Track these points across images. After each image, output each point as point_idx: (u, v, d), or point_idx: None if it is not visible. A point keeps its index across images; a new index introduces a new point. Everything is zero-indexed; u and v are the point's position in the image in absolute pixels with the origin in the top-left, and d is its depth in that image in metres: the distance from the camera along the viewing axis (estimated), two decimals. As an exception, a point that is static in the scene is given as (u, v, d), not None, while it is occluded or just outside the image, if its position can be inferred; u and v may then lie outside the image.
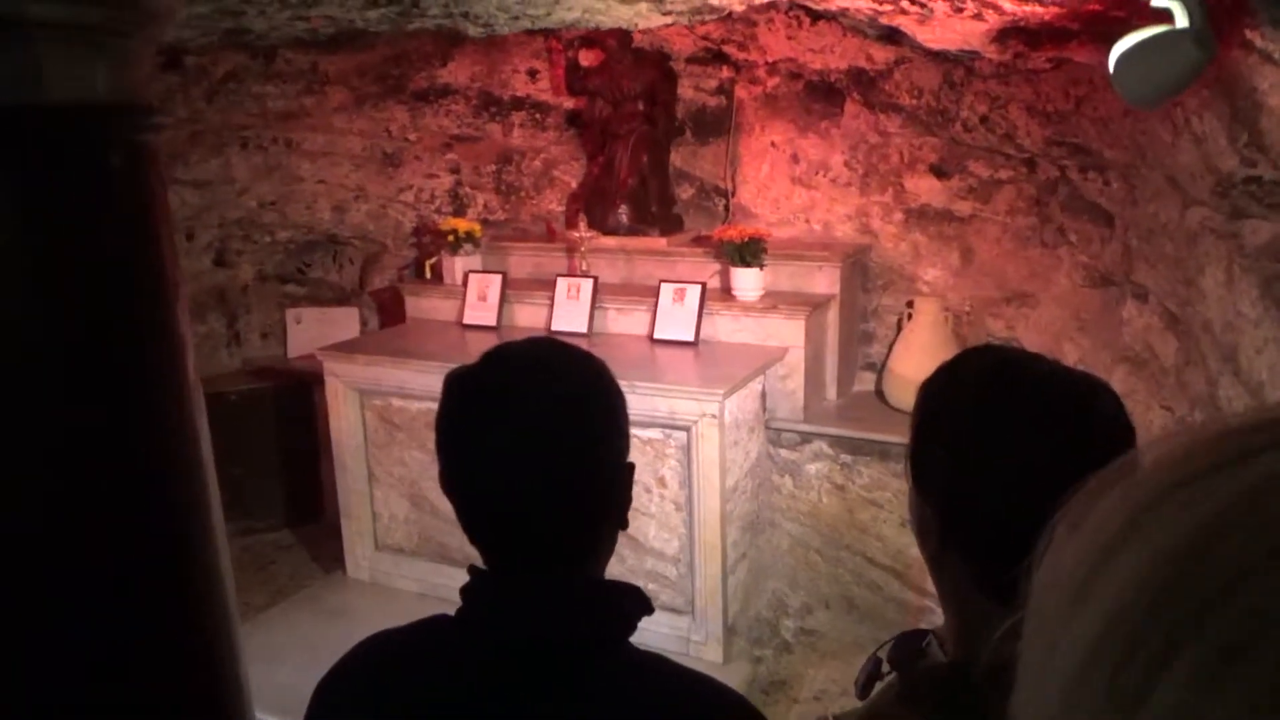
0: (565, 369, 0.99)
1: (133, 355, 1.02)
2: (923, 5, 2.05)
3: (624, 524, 1.00)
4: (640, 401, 3.22)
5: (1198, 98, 2.00)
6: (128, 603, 1.04)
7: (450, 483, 0.97)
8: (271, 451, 4.52)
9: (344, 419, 3.79)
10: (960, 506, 0.88)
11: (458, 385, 0.98)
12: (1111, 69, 1.55)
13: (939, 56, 3.29)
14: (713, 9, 2.33)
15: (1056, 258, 3.49)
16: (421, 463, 3.73)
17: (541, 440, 0.92)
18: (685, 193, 4.36)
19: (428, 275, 4.31)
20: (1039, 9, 1.87)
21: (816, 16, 3.70)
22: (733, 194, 4.24)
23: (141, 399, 1.05)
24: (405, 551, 3.86)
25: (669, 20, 2.52)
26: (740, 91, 4.14)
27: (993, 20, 2.05)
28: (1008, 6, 1.89)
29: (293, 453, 4.52)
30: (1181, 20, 1.32)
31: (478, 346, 3.67)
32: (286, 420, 4.51)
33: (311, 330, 4.68)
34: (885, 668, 1.00)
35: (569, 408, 0.95)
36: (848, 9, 2.41)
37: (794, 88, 3.99)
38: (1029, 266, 3.61)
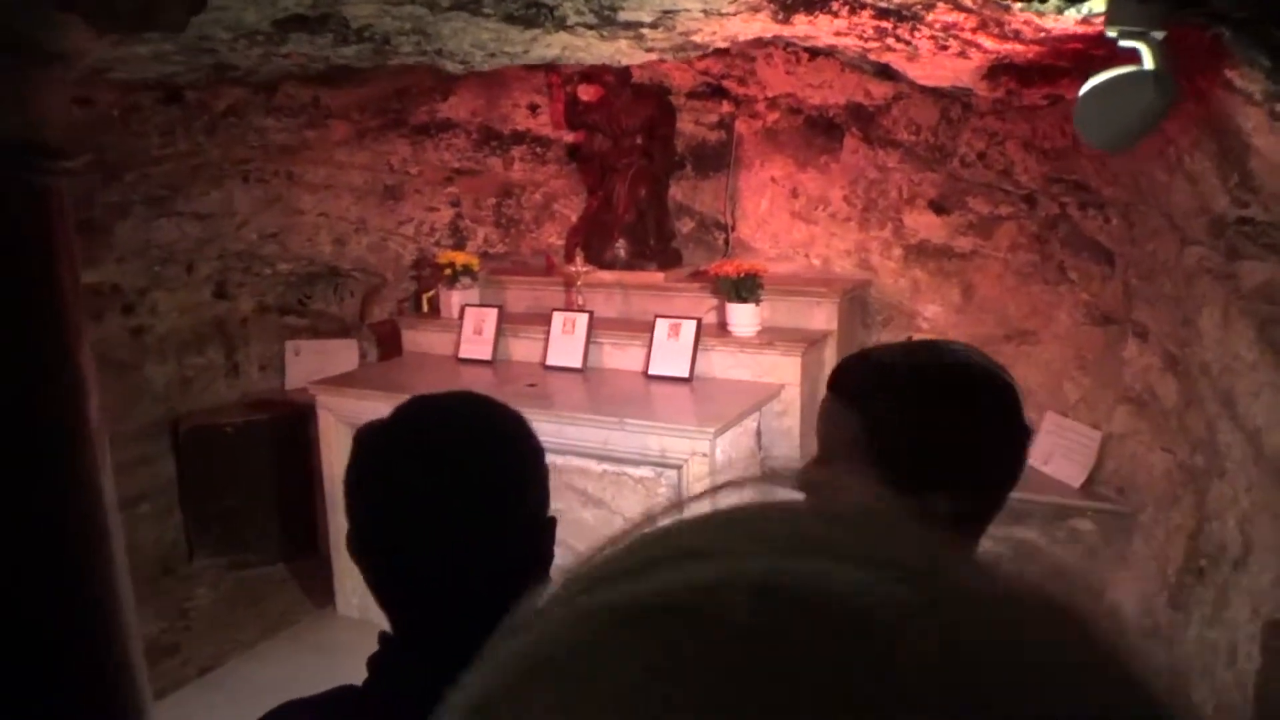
0: (480, 422, 0.95)
1: (21, 400, 0.99)
2: (908, 42, 2.02)
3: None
4: (630, 439, 3.18)
5: (1188, 136, 1.95)
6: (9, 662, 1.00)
7: (359, 543, 0.92)
8: (268, 484, 4.49)
9: (336, 453, 3.76)
10: None
11: (369, 439, 0.94)
12: (1075, 110, 1.51)
13: (936, 93, 3.25)
14: (696, 46, 2.31)
15: (1058, 295, 3.42)
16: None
17: (456, 493, 0.88)
18: (685, 226, 4.34)
19: (425, 308, 4.30)
20: (1020, 47, 1.83)
21: (815, 53, 3.68)
22: (732, 228, 4.21)
23: (30, 445, 1.01)
24: (396, 588, 3.80)
25: (654, 57, 2.51)
26: (740, 126, 4.12)
27: (978, 58, 2.01)
28: (988, 45, 1.85)
29: (289, 485, 4.49)
30: (1147, 62, 1.28)
31: (472, 380, 3.62)
32: (283, 452, 4.48)
33: (310, 362, 4.66)
34: None
35: (485, 461, 0.91)
36: (836, 46, 2.38)
37: (794, 123, 3.97)
38: (1030, 303, 3.55)
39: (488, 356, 3.98)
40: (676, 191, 4.30)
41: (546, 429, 3.35)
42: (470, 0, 1.66)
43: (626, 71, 4.00)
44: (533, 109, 4.40)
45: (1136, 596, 2.82)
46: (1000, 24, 1.61)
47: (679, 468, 3.12)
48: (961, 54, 1.98)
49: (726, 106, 4.12)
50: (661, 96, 4.06)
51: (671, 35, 2.12)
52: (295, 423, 4.46)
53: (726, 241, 4.22)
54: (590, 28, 1.87)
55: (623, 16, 1.81)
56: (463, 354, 4.03)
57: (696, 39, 2.22)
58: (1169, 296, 2.63)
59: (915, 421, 1.01)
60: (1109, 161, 2.79)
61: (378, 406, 3.79)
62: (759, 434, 3.51)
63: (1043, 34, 1.61)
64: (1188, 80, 1.66)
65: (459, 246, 4.61)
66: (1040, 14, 1.43)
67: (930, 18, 1.71)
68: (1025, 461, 1.06)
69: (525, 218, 4.60)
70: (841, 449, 1.11)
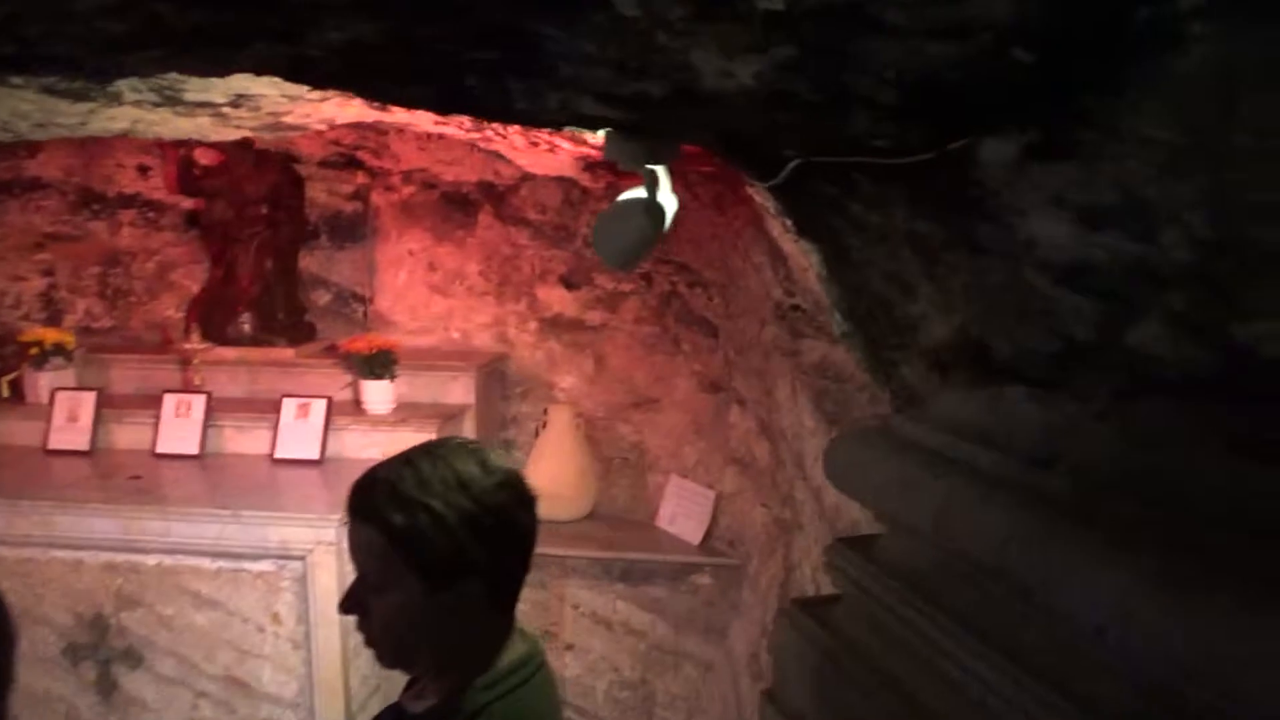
0: None
1: None
2: (503, 136, 2.11)
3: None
4: (248, 532, 2.95)
5: (748, 233, 2.22)
6: None
7: None
8: None
9: (-125, 573, 3.11)
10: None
11: None
12: (593, 232, 1.66)
13: (557, 178, 3.43)
14: (289, 126, 2.25)
15: (675, 365, 3.71)
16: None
17: None
18: (322, 299, 4.17)
19: (5, 393, 3.73)
20: (594, 150, 2.00)
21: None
22: (371, 301, 4.12)
23: None
24: (-39, 729, 3.19)
25: (243, 133, 2.40)
26: (376, 198, 4.06)
27: (565, 155, 2.15)
28: (566, 146, 1.99)
29: None
30: (642, 191, 1.45)
31: (67, 476, 3.13)
32: None
33: None
34: None
35: None
36: (445, 134, 2.43)
37: (430, 197, 3.99)
38: (655, 372, 3.81)
39: (85, 446, 3.53)
40: (311, 263, 4.13)
41: (153, 527, 3.05)
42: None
43: (248, 138, 3.80)
44: (143, 170, 4.03)
45: (745, 641, 3.08)
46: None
47: (303, 559, 2.94)
48: (551, 150, 2.11)
49: (361, 178, 4.05)
50: (287, 165, 3.89)
51: (259, 115, 2.04)
52: None
53: (365, 314, 4.12)
54: (156, 105, 1.75)
55: (190, 97, 1.71)
56: (53, 444, 3.54)
57: (288, 120, 2.15)
58: (756, 369, 2.94)
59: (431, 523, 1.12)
60: (704, 247, 3.08)
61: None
62: (397, 514, 3.42)
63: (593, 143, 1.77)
64: (736, 186, 1.88)
65: (53, 320, 4.07)
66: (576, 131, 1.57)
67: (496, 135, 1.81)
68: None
69: (136, 289, 4.17)
70: (372, 564, 1.13)
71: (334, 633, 2.95)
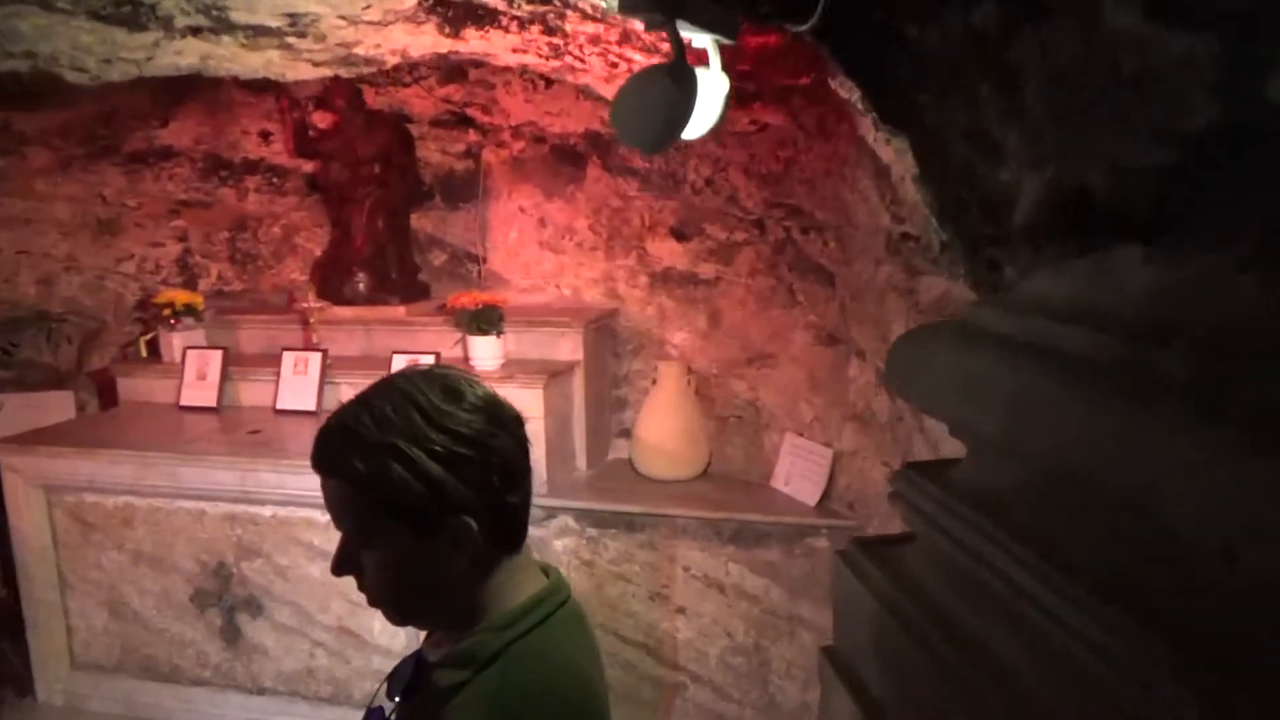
0: None
1: None
2: (581, 60, 1.97)
3: None
4: (354, 484, 2.96)
5: (853, 155, 2.00)
6: None
7: None
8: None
9: (27, 520, 3.32)
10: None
11: None
12: (611, 112, 1.47)
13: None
14: (364, 60, 2.17)
15: (792, 318, 3.50)
16: (120, 564, 3.30)
17: None
18: (438, 259, 4.18)
19: (143, 353, 3.91)
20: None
21: (549, 80, 3.64)
22: (484, 260, 4.09)
23: None
24: (105, 668, 3.38)
25: (321, 71, 2.35)
26: (488, 155, 4.01)
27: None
28: (638, 59, 1.83)
29: (-12, 559, 3.94)
30: (715, 59, 1.26)
31: (195, 431, 3.25)
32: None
33: (16, 418, 4.12)
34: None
35: None
36: (527, 65, 2.31)
37: (540, 151, 3.91)
38: (771, 327, 3.61)
39: (213, 403, 3.66)
40: (426, 223, 4.14)
41: (267, 479, 3.11)
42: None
43: (359, 97, 3.82)
44: (265, 136, 4.13)
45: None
46: (639, 35, 1.57)
47: (406, 512, 2.93)
48: (630, 72, 1.96)
49: (473, 135, 4.01)
50: (398, 123, 3.89)
51: (327, 46, 1.97)
52: (-8, 488, 3.92)
53: (479, 274, 4.10)
54: (203, 32, 1.69)
55: (236, 18, 1.65)
56: (184, 401, 3.68)
57: (360, 51, 2.08)
58: (871, 315, 2.71)
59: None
60: (817, 185, 2.86)
61: (76, 465, 3.36)
62: (505, 471, 3.38)
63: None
64: (839, 106, 1.67)
65: (189, 285, 4.24)
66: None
67: (570, 29, 1.66)
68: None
69: (264, 252, 4.29)
70: (350, 519, 1.04)
71: (438, 587, 2.93)
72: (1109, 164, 0.77)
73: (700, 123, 1.44)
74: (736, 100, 2.38)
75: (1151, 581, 0.68)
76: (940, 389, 0.91)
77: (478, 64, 3.63)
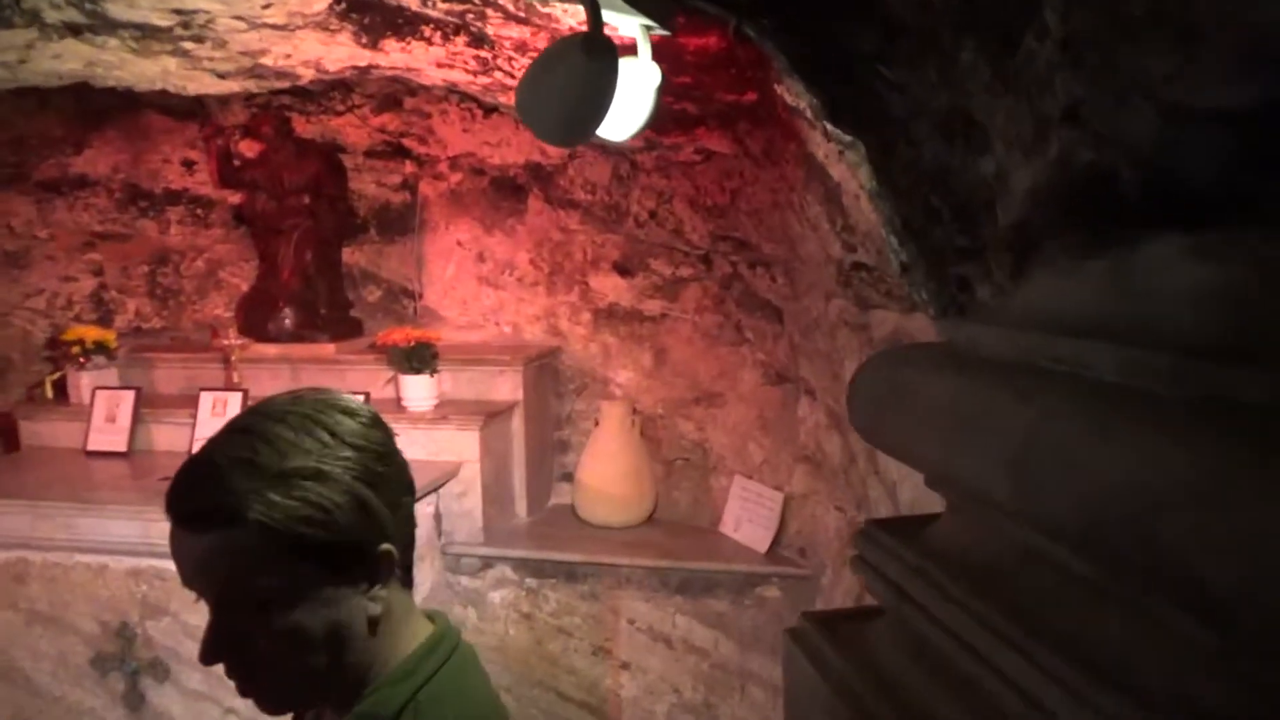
0: None
1: None
2: (511, 75, 1.84)
3: None
4: (270, 535, 2.74)
5: (800, 178, 1.88)
6: None
7: None
8: None
9: (-93, 578, 3.02)
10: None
11: None
12: (517, 100, 1.31)
13: (605, 151, 3.15)
14: (273, 72, 2.01)
15: (740, 356, 3.37)
16: (12, 625, 3.02)
17: None
18: (372, 295, 3.99)
19: (49, 394, 3.64)
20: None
21: (489, 109, 3.51)
22: (420, 295, 3.91)
23: None
24: (-8, 740, 3.07)
25: (229, 86, 2.18)
26: (425, 188, 3.86)
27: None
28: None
29: None
30: (645, 48, 1.12)
31: (100, 478, 2.95)
32: None
33: (-91, 465, 3.82)
34: None
35: None
36: (456, 83, 2.17)
37: (479, 184, 3.76)
38: (719, 365, 3.47)
39: (123, 447, 3.40)
40: (360, 257, 3.96)
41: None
42: None
43: (287, 125, 3.65)
44: (188, 165, 3.92)
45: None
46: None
47: (327, 565, 2.71)
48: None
49: (409, 167, 3.85)
50: (329, 153, 3.72)
51: (230, 54, 1.81)
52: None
53: (415, 310, 3.92)
54: (83, 32, 1.52)
55: (114, 13, 1.48)
56: (92, 445, 3.42)
57: (268, 62, 1.92)
58: (822, 351, 2.59)
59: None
60: (764, 217, 2.75)
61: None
62: (438, 517, 3.18)
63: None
64: (786, 125, 1.55)
65: (104, 321, 3.98)
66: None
67: (493, 33, 1.52)
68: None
69: (186, 288, 4.06)
70: (250, 579, 0.86)
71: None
72: (1150, 119, 0.63)
73: (626, 118, 1.30)
74: (679, 125, 2.26)
75: (1205, 695, 0.51)
76: (918, 430, 0.75)
77: (413, 92, 3.50)
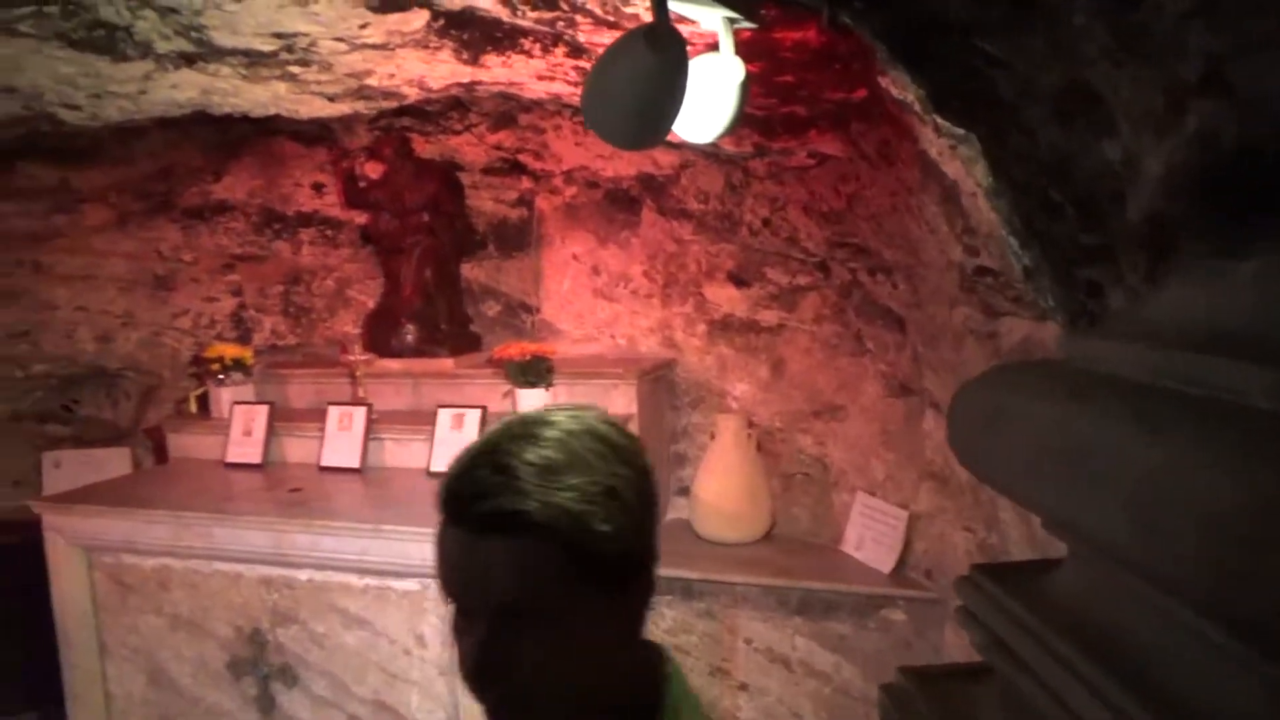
0: None
1: None
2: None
3: None
4: (389, 547, 2.79)
5: (917, 179, 1.76)
6: None
7: None
8: (13, 618, 3.87)
9: (68, 582, 3.24)
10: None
11: None
12: (582, 103, 1.22)
13: (717, 159, 3.08)
14: (381, 93, 2.04)
15: (861, 367, 3.23)
16: (158, 629, 3.18)
17: None
18: (492, 310, 4.05)
19: (193, 408, 3.85)
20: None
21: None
22: (538, 310, 3.94)
23: None
24: (142, 738, 3.25)
25: (339, 108, 2.23)
26: (541, 203, 3.89)
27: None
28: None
29: (38, 620, 3.88)
30: (726, 42, 1.04)
31: (237, 488, 3.10)
32: (31, 582, 3.88)
33: (73, 475, 4.10)
34: None
35: None
36: (561, 95, 2.15)
37: (593, 196, 3.76)
38: (839, 377, 3.35)
39: (258, 460, 3.55)
40: (480, 273, 4.03)
41: (301, 541, 2.96)
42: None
43: (407, 146, 3.74)
44: (318, 188, 4.08)
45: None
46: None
47: (443, 578, 2.73)
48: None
49: (526, 183, 3.89)
50: (447, 172, 3.80)
51: (336, 77, 1.84)
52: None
53: (533, 324, 3.95)
54: (196, 62, 1.57)
55: (220, 40, 1.52)
56: (230, 458, 3.58)
57: (374, 83, 1.95)
58: (948, 363, 2.44)
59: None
60: (883, 221, 2.62)
61: (114, 525, 3.25)
62: (553, 532, 3.17)
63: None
64: (899, 125, 1.45)
65: (243, 339, 4.19)
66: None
67: (585, 40, 1.49)
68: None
69: (317, 305, 4.23)
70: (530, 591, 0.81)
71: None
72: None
73: (708, 118, 1.21)
74: (790, 129, 2.17)
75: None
76: (1020, 465, 0.64)
77: (527, 109, 3.53)
